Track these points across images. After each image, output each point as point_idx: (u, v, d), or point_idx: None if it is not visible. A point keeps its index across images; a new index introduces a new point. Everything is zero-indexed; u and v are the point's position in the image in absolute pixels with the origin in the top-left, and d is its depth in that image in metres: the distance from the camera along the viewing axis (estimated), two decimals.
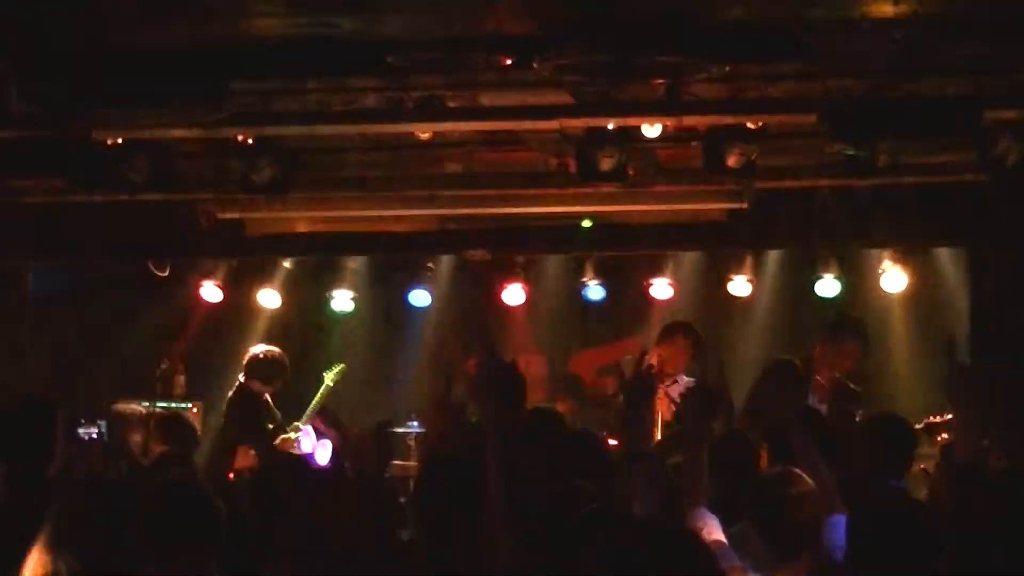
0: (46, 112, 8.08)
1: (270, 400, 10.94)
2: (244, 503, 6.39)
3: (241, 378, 10.93)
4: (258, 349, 11.07)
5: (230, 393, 10.91)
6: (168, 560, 5.05)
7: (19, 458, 6.91)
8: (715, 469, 6.38)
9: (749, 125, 8.68)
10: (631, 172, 9.22)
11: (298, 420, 10.92)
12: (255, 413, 10.83)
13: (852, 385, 7.64)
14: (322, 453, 10.72)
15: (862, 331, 9.75)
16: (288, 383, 11.00)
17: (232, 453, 10.27)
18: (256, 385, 10.86)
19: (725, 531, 5.53)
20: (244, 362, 11.01)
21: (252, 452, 10.25)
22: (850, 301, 11.78)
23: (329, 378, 11.33)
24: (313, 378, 11.54)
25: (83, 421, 7.65)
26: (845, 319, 10.18)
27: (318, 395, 11.21)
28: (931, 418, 8.82)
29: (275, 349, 11.13)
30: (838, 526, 5.47)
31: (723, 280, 12.06)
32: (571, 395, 12.41)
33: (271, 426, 10.84)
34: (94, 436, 8.33)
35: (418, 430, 10.91)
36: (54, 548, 5.28)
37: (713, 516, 5.55)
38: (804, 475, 5.67)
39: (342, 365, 11.50)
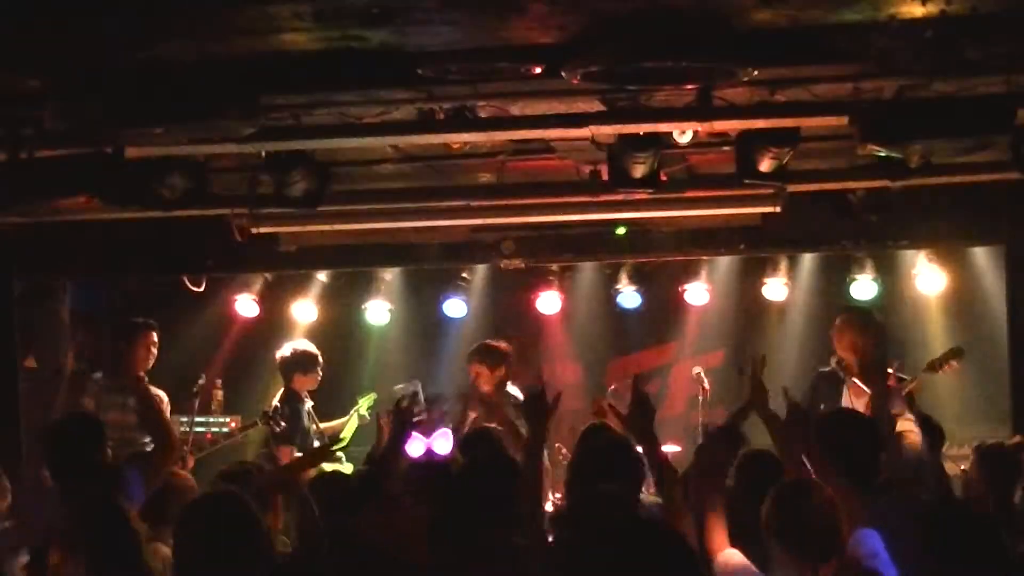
0: (80, 130, 8.12)
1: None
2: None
3: (283, 383, 11.01)
4: (284, 350, 11.16)
5: (275, 402, 10.93)
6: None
7: (69, 474, 6.97)
8: (743, 488, 6.39)
9: (780, 128, 8.67)
10: (663, 178, 9.22)
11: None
12: (306, 417, 10.88)
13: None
14: (443, 443, 9.76)
15: (864, 322, 9.89)
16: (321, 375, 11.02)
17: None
18: (298, 380, 10.92)
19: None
20: (279, 367, 11.08)
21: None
22: (886, 303, 11.75)
23: (364, 407, 11.24)
24: (348, 392, 11.55)
25: None
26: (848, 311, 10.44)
27: (350, 425, 11.10)
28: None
29: (301, 341, 11.24)
30: (868, 538, 5.45)
31: (758, 284, 12.05)
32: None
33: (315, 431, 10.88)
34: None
35: None
36: None
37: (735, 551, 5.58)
38: (821, 484, 5.66)
39: (373, 394, 11.44)
